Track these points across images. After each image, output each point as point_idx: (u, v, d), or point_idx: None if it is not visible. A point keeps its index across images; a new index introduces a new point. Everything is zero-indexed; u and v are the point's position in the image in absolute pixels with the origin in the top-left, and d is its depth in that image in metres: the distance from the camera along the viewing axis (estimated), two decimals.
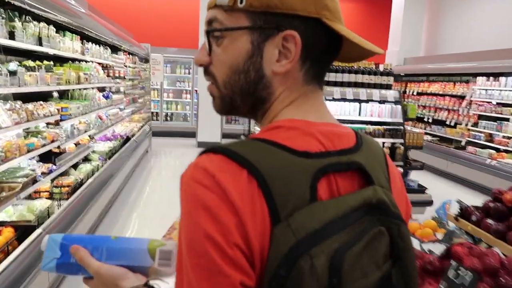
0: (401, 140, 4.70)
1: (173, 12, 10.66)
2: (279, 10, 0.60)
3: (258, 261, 0.52)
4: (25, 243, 2.61)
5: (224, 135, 10.11)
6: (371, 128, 4.64)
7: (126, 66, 7.25)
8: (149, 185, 6.30)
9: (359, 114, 4.69)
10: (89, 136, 4.86)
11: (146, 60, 9.37)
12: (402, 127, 4.70)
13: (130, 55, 7.85)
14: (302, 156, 0.57)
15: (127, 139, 6.36)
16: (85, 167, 4.30)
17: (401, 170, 4.62)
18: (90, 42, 4.91)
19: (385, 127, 4.76)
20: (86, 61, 4.88)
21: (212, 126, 9.21)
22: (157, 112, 10.79)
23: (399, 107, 4.81)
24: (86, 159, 4.82)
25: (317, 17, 0.61)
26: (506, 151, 6.69)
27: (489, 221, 1.87)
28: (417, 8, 9.81)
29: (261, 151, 0.56)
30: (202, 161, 0.55)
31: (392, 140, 4.74)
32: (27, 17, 3.06)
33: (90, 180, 4.09)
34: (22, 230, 2.74)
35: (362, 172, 0.62)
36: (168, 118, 10.93)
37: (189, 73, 10.76)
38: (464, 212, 2.06)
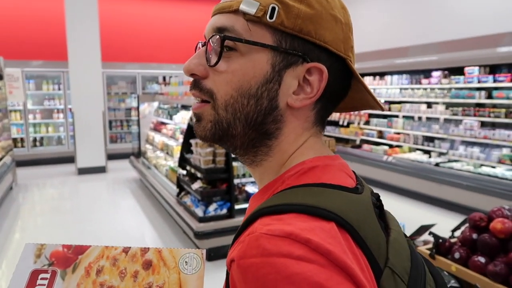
0: None
1: (33, 21, 9.02)
2: (311, 39, 0.52)
3: None
4: None
5: (110, 156, 8.91)
6: None
7: None
8: (19, 226, 5.14)
9: None
10: None
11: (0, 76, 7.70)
12: None
13: None
14: (355, 193, 0.51)
15: None
16: None
17: None
18: None
19: None
20: None
21: (93, 148, 7.98)
22: (22, 138, 9.02)
23: None
24: None
25: (344, 57, 0.55)
26: (398, 146, 6.99)
27: (480, 259, 1.48)
28: None
29: (329, 196, 0.47)
30: (273, 228, 0.41)
31: None
32: None
33: None
34: None
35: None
36: (37, 143, 9.22)
37: (59, 89, 9.23)
38: (441, 247, 1.66)
